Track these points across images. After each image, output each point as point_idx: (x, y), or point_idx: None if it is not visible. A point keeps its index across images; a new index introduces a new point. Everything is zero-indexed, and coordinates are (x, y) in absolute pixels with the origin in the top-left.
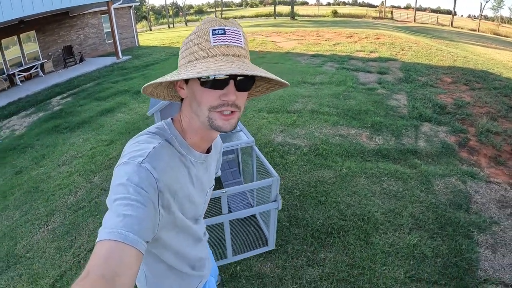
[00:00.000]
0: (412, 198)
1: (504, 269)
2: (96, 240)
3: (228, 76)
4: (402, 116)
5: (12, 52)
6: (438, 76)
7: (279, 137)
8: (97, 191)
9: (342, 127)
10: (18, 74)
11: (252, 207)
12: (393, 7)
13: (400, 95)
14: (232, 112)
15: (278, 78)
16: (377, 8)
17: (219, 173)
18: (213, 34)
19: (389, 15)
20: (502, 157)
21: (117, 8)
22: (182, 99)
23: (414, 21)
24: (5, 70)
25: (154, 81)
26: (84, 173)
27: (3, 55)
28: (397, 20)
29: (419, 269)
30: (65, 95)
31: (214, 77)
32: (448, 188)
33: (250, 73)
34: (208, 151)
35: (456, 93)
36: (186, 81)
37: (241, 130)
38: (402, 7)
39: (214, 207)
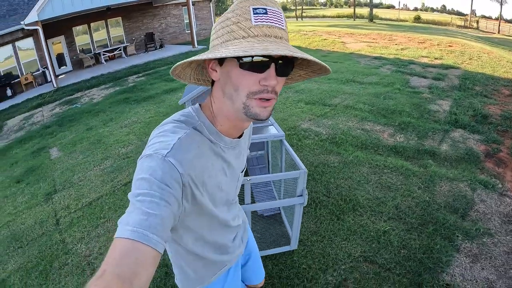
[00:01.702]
0: (405, 192)
1: (477, 281)
2: (116, 235)
3: (269, 59)
4: (437, 120)
5: (100, 35)
6: (496, 87)
7: (305, 124)
8: (144, 147)
9: (369, 123)
10: (103, 54)
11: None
12: (484, 17)
13: (445, 101)
14: (270, 98)
15: (321, 62)
16: (463, 17)
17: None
18: (254, 13)
19: (474, 25)
20: None
21: (198, 1)
22: (212, 83)
23: (498, 32)
24: (92, 50)
25: (187, 60)
26: (139, 134)
27: (91, 37)
28: (482, 31)
29: (377, 253)
30: (140, 74)
31: (253, 59)
32: (451, 191)
33: (299, 55)
34: (240, 136)
35: (509, 106)
36: (221, 62)
37: (272, 124)
38: (493, 17)
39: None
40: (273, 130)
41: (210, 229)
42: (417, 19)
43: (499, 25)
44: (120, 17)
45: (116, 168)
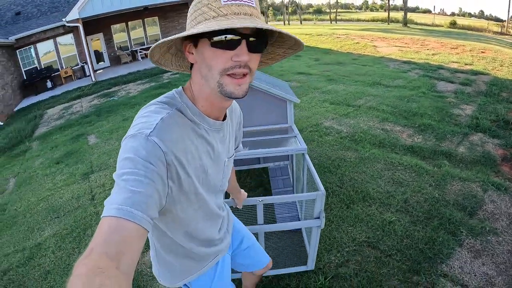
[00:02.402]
0: (416, 188)
1: (475, 275)
2: (102, 215)
3: (240, 36)
4: (457, 123)
5: (137, 33)
6: None
7: (327, 122)
8: None
9: (389, 123)
10: (140, 52)
11: (299, 220)
12: None
13: (469, 106)
14: (244, 75)
15: (292, 35)
16: (501, 23)
17: (241, 149)
18: None
19: None
20: None
21: None
22: (191, 67)
23: None
24: (129, 47)
25: (160, 41)
26: None
27: (129, 35)
28: None
29: (380, 240)
30: (174, 72)
31: (225, 37)
32: (462, 190)
33: (262, 26)
34: (224, 119)
35: None
36: (196, 45)
37: (296, 136)
38: None
39: (251, 214)
40: (295, 144)
41: (199, 219)
42: (453, 24)
43: None
44: (157, 17)
45: None
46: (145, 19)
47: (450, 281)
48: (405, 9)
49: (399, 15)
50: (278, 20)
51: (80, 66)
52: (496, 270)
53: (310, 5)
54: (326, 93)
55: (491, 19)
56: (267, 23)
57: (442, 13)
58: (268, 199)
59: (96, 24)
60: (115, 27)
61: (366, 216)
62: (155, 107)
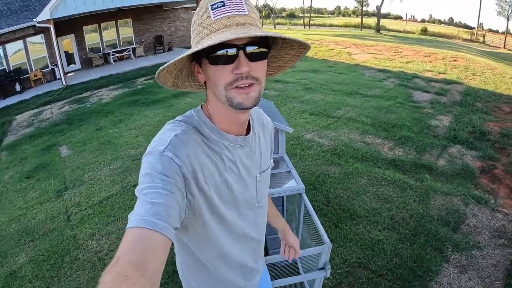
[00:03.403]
0: (400, 204)
1: None
2: (126, 227)
3: (235, 48)
4: (436, 135)
5: (109, 35)
6: (497, 104)
7: (308, 135)
8: None
9: (370, 136)
10: (112, 54)
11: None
12: (491, 30)
13: (446, 116)
14: (250, 85)
15: (289, 37)
16: (470, 30)
17: (272, 165)
18: (212, 9)
19: (481, 39)
20: None
21: None
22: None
23: (504, 47)
24: (101, 49)
25: (162, 67)
26: (148, 136)
27: (101, 37)
28: (488, 45)
29: (370, 260)
30: (148, 77)
31: (221, 52)
32: (444, 205)
33: (243, 34)
34: (247, 132)
35: (508, 123)
36: (200, 65)
37: (290, 171)
38: (500, 31)
39: None
40: (290, 181)
41: (224, 238)
42: (424, 31)
43: (505, 39)
44: (130, 19)
45: (126, 169)
46: (118, 21)
47: None
48: (379, 15)
49: (371, 21)
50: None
51: (50, 68)
52: (482, 284)
53: (283, 9)
54: (305, 103)
55: (460, 26)
56: (262, 26)
57: (413, 19)
58: (269, 259)
59: (67, 25)
60: (87, 28)
61: (355, 235)
62: (171, 125)
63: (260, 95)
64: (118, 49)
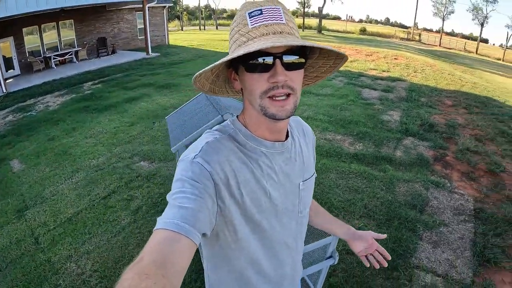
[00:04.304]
0: (371, 193)
1: (440, 262)
2: (153, 229)
3: (272, 56)
4: (389, 129)
5: (50, 37)
6: (440, 98)
7: None
8: (116, 158)
9: (330, 133)
10: (54, 58)
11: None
12: (425, 29)
13: (395, 111)
14: (287, 96)
15: (326, 46)
16: (406, 29)
17: (315, 174)
18: (249, 17)
19: (417, 38)
20: (475, 174)
21: (152, 7)
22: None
23: (440, 45)
24: (41, 53)
25: (198, 72)
26: (107, 145)
27: (41, 39)
28: (424, 43)
29: None
30: (96, 81)
31: (258, 60)
32: (408, 191)
33: (279, 43)
34: (286, 138)
35: (452, 115)
36: (237, 72)
37: None
38: (434, 30)
39: None
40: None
41: (257, 246)
42: (363, 31)
43: (441, 38)
44: (73, 20)
45: (90, 181)
46: (60, 22)
47: (423, 271)
48: (320, 16)
49: (313, 22)
50: (193, 25)
51: None
52: (454, 255)
53: (224, 10)
54: None
55: (396, 26)
56: (181, 28)
57: (351, 20)
58: None
59: (6, 27)
60: (26, 30)
61: None
62: (206, 134)
63: (295, 106)
64: (60, 52)
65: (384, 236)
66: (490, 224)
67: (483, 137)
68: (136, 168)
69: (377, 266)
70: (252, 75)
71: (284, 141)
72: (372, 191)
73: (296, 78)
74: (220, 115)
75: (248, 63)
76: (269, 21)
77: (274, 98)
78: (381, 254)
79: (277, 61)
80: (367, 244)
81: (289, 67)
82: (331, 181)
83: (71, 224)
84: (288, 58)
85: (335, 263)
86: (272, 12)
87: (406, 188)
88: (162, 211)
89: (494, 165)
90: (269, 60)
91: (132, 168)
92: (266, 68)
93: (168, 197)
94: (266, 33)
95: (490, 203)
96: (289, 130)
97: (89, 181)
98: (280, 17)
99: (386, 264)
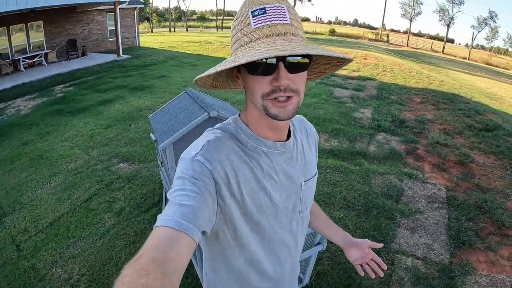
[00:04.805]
0: (348, 186)
1: (418, 246)
2: (154, 226)
3: (275, 59)
4: (362, 126)
5: (18, 39)
6: (409, 96)
7: None
8: (94, 161)
9: None
10: (23, 61)
11: None
12: (393, 30)
13: (367, 109)
14: (288, 97)
15: (331, 53)
16: (375, 30)
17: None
18: (252, 16)
19: (385, 38)
20: (446, 165)
21: (122, 8)
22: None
23: (407, 45)
24: (9, 55)
25: (200, 76)
26: (84, 147)
27: (10, 41)
28: (392, 44)
29: None
30: (67, 84)
31: (260, 63)
32: (384, 183)
33: (282, 53)
34: (287, 139)
35: (421, 111)
36: (239, 71)
37: None
38: (401, 31)
39: None
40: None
41: (257, 245)
42: (332, 32)
43: (408, 39)
44: (42, 21)
45: (70, 185)
46: (29, 24)
47: (403, 255)
48: None
49: None
50: (163, 27)
51: None
52: (431, 239)
53: (194, 12)
54: (239, 104)
55: (364, 27)
56: (151, 30)
57: (320, 21)
58: None
59: None
60: None
61: None
62: (208, 133)
63: (298, 106)
64: (29, 54)
65: (381, 245)
66: (463, 210)
67: (452, 131)
68: (115, 170)
69: (373, 276)
70: (253, 77)
71: (285, 141)
72: (349, 184)
73: (299, 79)
74: (206, 113)
75: (251, 65)
76: (273, 21)
77: (276, 99)
78: (377, 264)
79: (281, 64)
80: (363, 253)
81: (293, 69)
82: None
83: (53, 229)
84: (292, 58)
85: (324, 249)
86: (276, 11)
87: (382, 180)
88: (146, 211)
89: (463, 156)
90: (271, 61)
91: (111, 170)
92: (268, 70)
93: (168, 194)
94: (270, 34)
95: (461, 191)
96: (291, 129)
97: (68, 184)
98: (285, 16)
99: (382, 274)
